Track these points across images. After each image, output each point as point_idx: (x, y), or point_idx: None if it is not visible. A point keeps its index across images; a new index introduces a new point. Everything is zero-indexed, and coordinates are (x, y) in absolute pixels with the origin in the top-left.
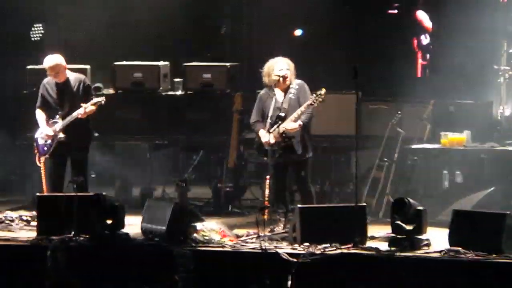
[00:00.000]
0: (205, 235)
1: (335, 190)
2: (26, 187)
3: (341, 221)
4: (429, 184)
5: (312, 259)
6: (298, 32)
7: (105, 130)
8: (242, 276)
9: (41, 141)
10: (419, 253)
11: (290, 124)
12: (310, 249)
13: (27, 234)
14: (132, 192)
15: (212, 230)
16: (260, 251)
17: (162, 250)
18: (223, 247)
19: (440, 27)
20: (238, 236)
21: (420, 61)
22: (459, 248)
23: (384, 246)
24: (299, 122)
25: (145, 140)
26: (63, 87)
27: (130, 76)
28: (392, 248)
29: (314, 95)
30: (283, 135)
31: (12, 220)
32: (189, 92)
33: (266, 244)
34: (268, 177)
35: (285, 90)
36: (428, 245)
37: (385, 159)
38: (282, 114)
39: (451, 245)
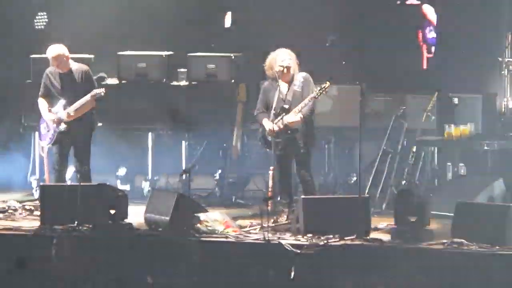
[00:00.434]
0: (208, 226)
1: (338, 181)
2: (30, 176)
3: (344, 212)
4: (433, 176)
5: (315, 250)
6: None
7: (109, 119)
8: (245, 266)
9: (43, 131)
10: (422, 245)
11: (292, 117)
12: (314, 240)
13: (31, 223)
14: (135, 182)
15: (215, 221)
16: (263, 242)
17: (166, 240)
18: (226, 237)
19: (445, 20)
20: (241, 227)
21: (425, 53)
22: (463, 240)
23: (387, 238)
24: (300, 115)
25: (149, 130)
26: (66, 77)
27: (134, 66)
28: (396, 240)
29: (319, 88)
30: (286, 127)
31: (16, 210)
32: (193, 83)
33: (269, 235)
34: (272, 168)
35: (289, 82)
36: (431, 237)
37: (389, 151)
38: (286, 106)
39: (454, 236)
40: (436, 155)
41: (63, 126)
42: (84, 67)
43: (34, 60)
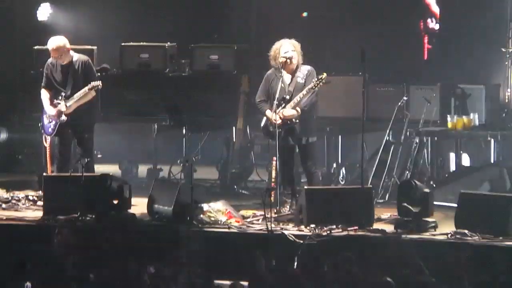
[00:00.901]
0: (211, 216)
1: (341, 172)
2: (32, 167)
3: (347, 203)
4: (436, 166)
5: (318, 241)
6: (305, 14)
7: (111, 110)
8: (248, 257)
9: (46, 121)
10: (426, 235)
11: (288, 111)
12: (316, 231)
13: (34, 213)
14: (138, 172)
15: (218, 211)
16: (266, 232)
17: (168, 230)
18: (229, 228)
19: (447, 10)
20: (244, 217)
21: (426, 44)
22: (466, 231)
23: (390, 228)
24: (297, 109)
25: (152, 121)
26: (67, 68)
27: (137, 57)
28: (399, 230)
29: (315, 79)
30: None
31: (19, 200)
32: (196, 73)
33: (272, 226)
34: (274, 158)
35: (293, 73)
36: (434, 227)
37: (392, 141)
38: (287, 97)
39: (457, 227)
40: (439, 145)
41: (63, 118)
42: (84, 57)
43: (38, 51)
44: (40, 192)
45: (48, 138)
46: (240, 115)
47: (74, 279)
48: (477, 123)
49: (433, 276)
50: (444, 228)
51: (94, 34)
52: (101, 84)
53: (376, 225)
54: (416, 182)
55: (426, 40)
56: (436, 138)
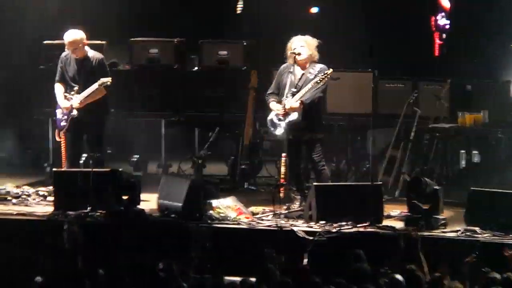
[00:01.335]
0: (221, 212)
1: (351, 168)
2: (43, 162)
3: (357, 199)
4: (446, 163)
5: (328, 237)
6: (314, 10)
7: (121, 106)
8: (257, 253)
9: (59, 116)
10: (435, 232)
11: (291, 103)
12: (326, 227)
13: (44, 209)
14: (148, 168)
15: (228, 207)
16: (276, 228)
17: (178, 226)
18: (238, 224)
19: (458, 6)
20: (254, 214)
21: (437, 40)
22: (476, 228)
23: (400, 225)
24: (300, 101)
25: (161, 116)
26: (81, 63)
27: (146, 52)
28: (409, 227)
29: (322, 73)
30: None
31: (29, 195)
32: (204, 69)
33: (282, 222)
34: (284, 154)
35: (304, 69)
36: (444, 224)
37: (402, 138)
38: (294, 90)
39: (467, 224)
40: (449, 142)
41: (75, 112)
42: (99, 55)
43: (47, 46)
44: (51, 187)
45: (61, 133)
46: (249, 111)
47: (84, 274)
48: (487, 119)
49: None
50: (454, 225)
51: (103, 29)
52: (110, 81)
53: (386, 222)
54: (426, 179)
55: (437, 36)
56: (446, 135)
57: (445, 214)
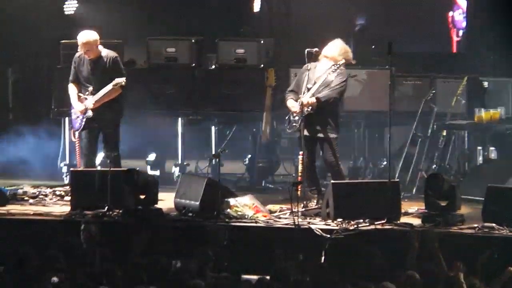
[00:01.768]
0: (238, 211)
1: (369, 165)
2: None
3: (374, 197)
4: (463, 160)
5: (346, 235)
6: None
7: (138, 104)
8: (275, 252)
9: (74, 116)
10: (453, 229)
11: (306, 98)
12: (344, 225)
13: (61, 208)
14: (165, 167)
15: (245, 206)
16: (293, 226)
17: (195, 225)
18: (256, 222)
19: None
20: (271, 212)
21: (454, 37)
22: (493, 224)
23: (417, 222)
24: (316, 97)
25: (179, 115)
26: (95, 64)
27: (164, 51)
28: (426, 224)
29: (348, 74)
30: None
31: (46, 195)
32: (222, 67)
33: (299, 220)
34: (301, 153)
35: (328, 68)
36: (462, 221)
37: (419, 135)
38: (310, 86)
39: (485, 221)
40: (466, 139)
41: (90, 113)
42: (113, 54)
43: (64, 45)
44: (68, 187)
45: (77, 133)
46: (266, 109)
47: (102, 274)
48: (504, 116)
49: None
50: (472, 222)
51: (121, 28)
52: (125, 81)
53: (403, 219)
54: (443, 176)
55: (454, 33)
56: (463, 132)
57: (463, 210)
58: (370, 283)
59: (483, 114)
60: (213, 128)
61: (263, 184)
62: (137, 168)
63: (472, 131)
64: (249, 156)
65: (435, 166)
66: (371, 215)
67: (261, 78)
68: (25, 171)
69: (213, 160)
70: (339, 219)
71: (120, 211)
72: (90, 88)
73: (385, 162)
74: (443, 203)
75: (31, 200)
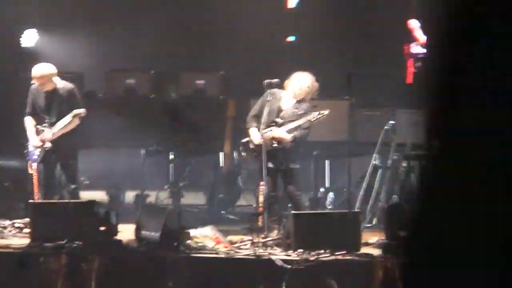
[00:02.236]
0: (198, 242)
1: (329, 196)
2: (18, 194)
3: (335, 227)
4: None
5: (306, 265)
6: (290, 39)
7: (97, 136)
8: (236, 283)
9: (31, 148)
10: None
11: (283, 132)
12: (304, 255)
13: (20, 241)
14: (125, 198)
15: (206, 237)
16: (254, 257)
17: (156, 256)
18: (217, 253)
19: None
20: (232, 243)
21: (411, 68)
22: None
23: (378, 253)
24: (292, 135)
25: (138, 146)
26: (51, 95)
27: (123, 81)
28: (387, 255)
29: (317, 112)
30: (272, 140)
31: (5, 227)
32: (182, 98)
33: (260, 250)
34: (261, 183)
35: (296, 102)
36: None
37: (379, 165)
38: (280, 121)
39: None
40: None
41: (48, 145)
42: (70, 85)
43: (22, 78)
44: (27, 219)
45: (34, 164)
46: (227, 140)
47: None
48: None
49: None
50: None
51: (81, 60)
52: (85, 112)
53: (364, 250)
54: (404, 206)
55: (410, 64)
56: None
57: None
58: None
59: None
60: (172, 158)
61: (224, 215)
62: (97, 200)
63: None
64: (210, 187)
65: (395, 196)
66: (332, 246)
67: (221, 109)
68: None
69: (173, 191)
70: (300, 250)
71: (80, 243)
72: (47, 120)
73: (345, 193)
74: (403, 233)
75: None
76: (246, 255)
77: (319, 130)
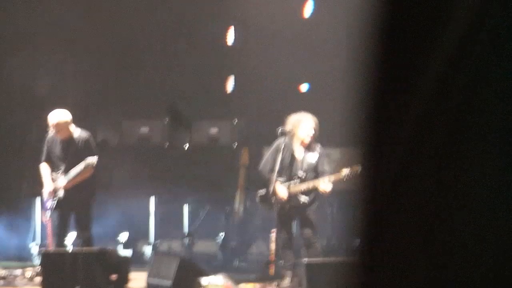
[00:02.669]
0: None
1: (343, 244)
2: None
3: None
4: None
5: None
6: (304, 87)
7: (111, 184)
8: None
9: (46, 196)
10: None
11: (326, 185)
12: None
13: None
14: (137, 247)
15: (217, 286)
16: None
17: None
18: None
19: None
20: None
21: None
22: None
23: None
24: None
25: (152, 194)
26: (67, 144)
27: (137, 131)
28: None
29: (349, 169)
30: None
31: (16, 276)
32: (195, 147)
33: None
34: (273, 231)
35: (306, 149)
36: None
37: None
38: (301, 174)
39: None
40: None
41: (62, 193)
42: (86, 134)
43: (37, 126)
44: (38, 268)
45: (48, 212)
46: (240, 188)
47: None
48: None
49: None
50: None
51: (95, 108)
52: (96, 161)
53: None
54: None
55: None
56: None
57: None
58: None
59: None
60: (185, 207)
61: (236, 263)
62: (109, 248)
63: None
64: (222, 235)
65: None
66: None
67: (234, 157)
68: None
69: (186, 239)
70: None
71: None
72: (62, 168)
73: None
74: None
75: (1, 282)
76: None
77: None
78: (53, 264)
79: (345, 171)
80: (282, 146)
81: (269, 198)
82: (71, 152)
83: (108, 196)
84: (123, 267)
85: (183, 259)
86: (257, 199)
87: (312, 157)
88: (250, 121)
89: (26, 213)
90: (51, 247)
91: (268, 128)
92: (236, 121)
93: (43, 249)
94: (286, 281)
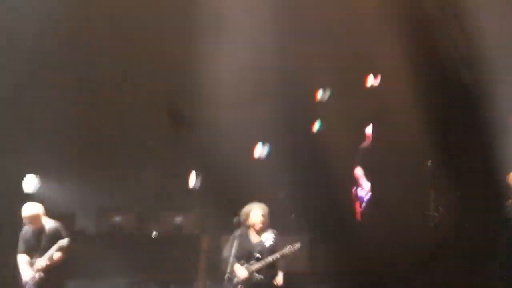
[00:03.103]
0: None
1: None
2: None
3: None
4: None
5: None
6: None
7: (85, 270)
8: None
9: (26, 280)
10: None
11: (279, 278)
12: None
13: None
14: None
15: None
16: None
17: None
18: None
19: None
20: None
21: (357, 208)
22: None
23: None
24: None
25: (121, 279)
26: (39, 233)
27: (111, 219)
28: None
29: (289, 247)
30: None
31: None
32: (162, 235)
33: None
34: None
35: (259, 233)
36: None
37: None
38: (258, 256)
39: None
40: None
41: (38, 275)
42: (56, 224)
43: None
44: None
45: None
46: (201, 273)
47: None
48: None
49: None
50: None
51: (72, 200)
52: (67, 243)
53: None
54: None
55: (357, 205)
56: None
57: None
58: None
59: None
60: None
61: None
62: None
63: None
64: None
65: None
66: None
67: (196, 245)
68: None
69: None
70: None
71: None
72: (37, 255)
73: None
74: None
75: None
76: None
77: None
78: None
79: (289, 247)
80: (238, 233)
81: (232, 279)
82: (43, 242)
83: (82, 283)
84: None
85: None
86: (225, 281)
87: (269, 240)
88: (210, 211)
89: None
90: None
91: (226, 217)
92: (198, 211)
93: None
94: None
